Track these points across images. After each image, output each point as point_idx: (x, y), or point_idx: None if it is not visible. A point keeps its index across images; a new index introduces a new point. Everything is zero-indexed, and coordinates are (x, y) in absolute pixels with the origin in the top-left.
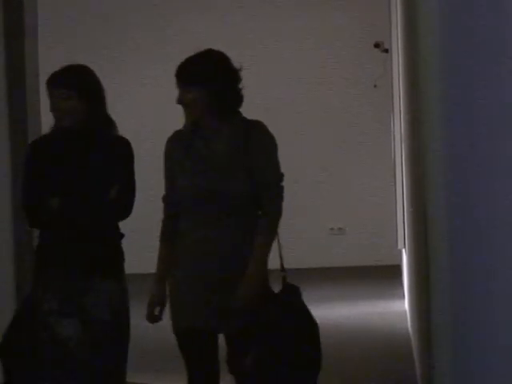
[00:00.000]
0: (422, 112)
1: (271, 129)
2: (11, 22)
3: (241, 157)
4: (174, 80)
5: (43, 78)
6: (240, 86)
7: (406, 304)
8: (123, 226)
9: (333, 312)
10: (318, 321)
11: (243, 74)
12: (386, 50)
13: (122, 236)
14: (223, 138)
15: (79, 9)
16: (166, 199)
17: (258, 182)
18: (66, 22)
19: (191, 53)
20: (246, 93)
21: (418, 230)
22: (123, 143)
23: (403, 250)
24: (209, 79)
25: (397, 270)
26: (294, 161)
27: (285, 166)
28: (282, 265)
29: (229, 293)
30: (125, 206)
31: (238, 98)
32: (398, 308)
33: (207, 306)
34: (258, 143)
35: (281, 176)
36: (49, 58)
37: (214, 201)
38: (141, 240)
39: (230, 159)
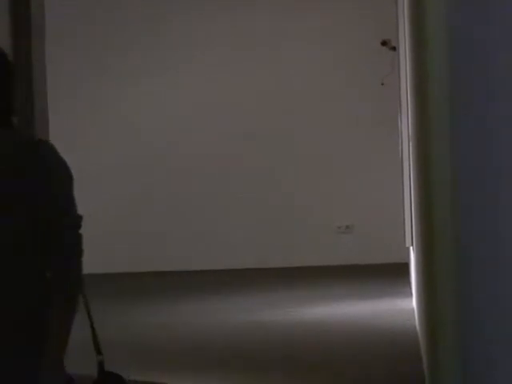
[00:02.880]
0: (430, 110)
1: (280, 127)
2: (18, 22)
3: (17, 187)
4: (172, 79)
5: (48, 78)
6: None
7: (414, 302)
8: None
9: (340, 310)
10: (325, 319)
11: (243, 74)
12: (394, 48)
13: None
14: None
15: (79, 8)
16: None
17: (44, 227)
18: (66, 22)
19: (191, 52)
20: (250, 93)
21: (425, 228)
22: None
23: (411, 248)
24: None
25: (405, 268)
26: (301, 159)
27: (293, 165)
28: (97, 347)
29: None
30: None
31: (12, 103)
32: (406, 306)
33: None
34: (44, 170)
35: (77, 218)
36: (51, 58)
37: None
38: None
39: (1, 190)
